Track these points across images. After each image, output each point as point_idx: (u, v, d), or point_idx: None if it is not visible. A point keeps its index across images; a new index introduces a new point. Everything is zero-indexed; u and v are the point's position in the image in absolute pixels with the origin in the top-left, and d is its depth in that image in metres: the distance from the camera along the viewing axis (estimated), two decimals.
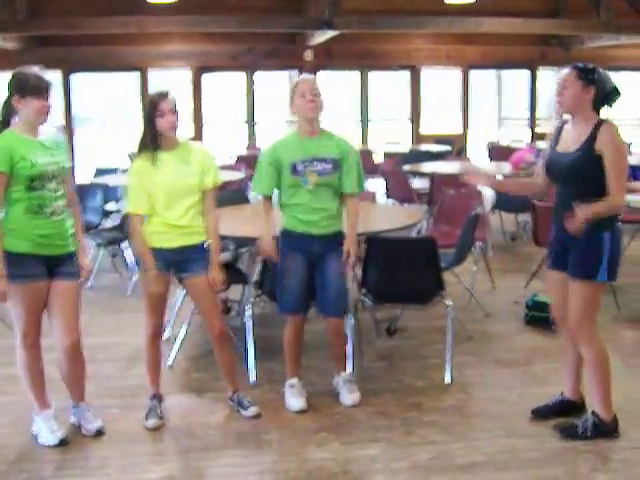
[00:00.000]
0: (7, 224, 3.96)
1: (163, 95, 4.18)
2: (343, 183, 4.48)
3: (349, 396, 4.68)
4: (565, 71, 3.95)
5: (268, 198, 4.52)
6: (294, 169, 4.37)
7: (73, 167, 13.15)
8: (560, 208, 4.05)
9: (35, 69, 3.97)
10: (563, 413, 4.36)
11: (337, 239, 4.51)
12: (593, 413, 4.13)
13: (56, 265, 4.08)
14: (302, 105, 4.34)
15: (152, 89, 16.19)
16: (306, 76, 4.50)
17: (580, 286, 3.99)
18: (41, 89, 3.91)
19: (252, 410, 4.52)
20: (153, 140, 4.21)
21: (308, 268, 4.50)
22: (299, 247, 4.46)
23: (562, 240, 4.07)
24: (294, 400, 4.61)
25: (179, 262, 4.33)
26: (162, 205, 4.23)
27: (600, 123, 3.91)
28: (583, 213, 3.83)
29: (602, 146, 3.85)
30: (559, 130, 4.12)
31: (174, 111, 4.17)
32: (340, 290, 4.59)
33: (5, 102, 4.00)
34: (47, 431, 4.19)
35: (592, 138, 3.88)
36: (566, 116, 4.06)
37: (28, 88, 3.89)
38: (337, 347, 4.77)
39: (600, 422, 4.10)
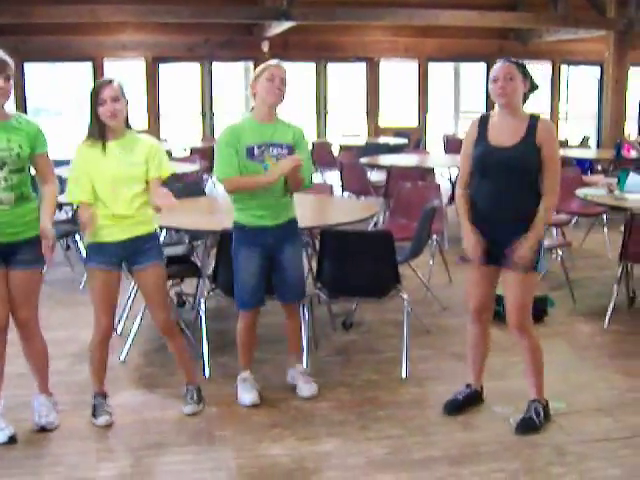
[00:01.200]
0: None
1: (105, 83, 4.09)
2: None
3: (307, 387, 4.66)
4: (503, 64, 3.97)
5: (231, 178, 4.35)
6: (250, 153, 4.29)
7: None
8: (487, 200, 4.06)
9: None
10: (471, 404, 4.45)
11: (291, 227, 4.50)
12: (536, 400, 4.19)
13: (11, 253, 3.98)
14: (268, 88, 4.26)
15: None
16: (278, 62, 4.37)
17: (522, 279, 4.04)
18: None
19: (188, 408, 4.45)
20: (98, 128, 4.11)
21: (264, 261, 4.43)
22: (254, 241, 4.39)
23: (493, 237, 4.07)
24: (246, 394, 4.56)
25: (128, 255, 4.23)
26: (106, 196, 4.12)
27: (536, 118, 3.98)
28: (529, 244, 3.94)
29: (543, 141, 3.93)
30: (483, 124, 4.10)
31: (116, 99, 4.06)
32: (300, 276, 4.62)
33: None
34: None
35: (532, 132, 3.94)
36: (481, 110, 4.11)
37: None
38: (296, 336, 4.74)
39: (544, 405, 4.20)
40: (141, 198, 4.20)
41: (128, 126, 4.22)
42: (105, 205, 4.14)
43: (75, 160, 4.19)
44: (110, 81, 4.11)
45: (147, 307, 4.50)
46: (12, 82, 3.95)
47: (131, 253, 4.22)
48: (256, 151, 4.29)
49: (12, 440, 4.07)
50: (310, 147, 13.61)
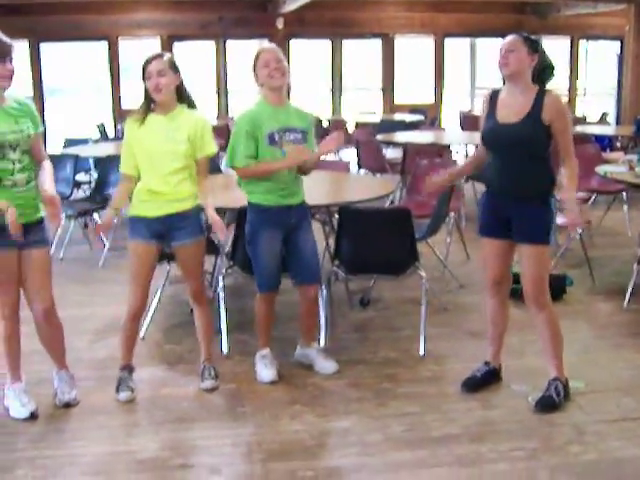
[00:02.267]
0: None
1: (152, 57, 4.14)
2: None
3: (328, 364, 4.68)
4: (510, 37, 3.97)
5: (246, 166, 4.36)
6: (271, 139, 4.29)
7: (45, 137, 13.01)
8: (497, 176, 4.10)
9: None
10: (490, 382, 4.45)
11: (305, 207, 4.53)
12: (556, 379, 4.18)
13: (24, 234, 3.99)
14: (267, 74, 4.27)
15: (122, 59, 16.02)
16: (267, 46, 4.43)
17: (536, 252, 4.05)
18: (0, 52, 3.76)
19: (207, 383, 4.48)
20: (145, 102, 4.18)
21: (282, 242, 4.45)
22: (277, 221, 4.38)
23: (503, 210, 4.09)
24: (265, 371, 4.58)
25: (165, 231, 4.24)
26: (145, 170, 4.17)
27: (543, 93, 3.95)
28: (573, 206, 3.96)
29: (552, 116, 3.89)
30: (492, 99, 4.11)
31: (161, 73, 4.09)
32: (315, 257, 4.59)
33: None
34: (18, 404, 4.14)
35: (538, 108, 3.90)
36: (498, 86, 4.11)
37: None
38: (312, 316, 4.74)
39: (564, 384, 4.18)
40: (180, 175, 4.19)
41: (182, 101, 4.24)
42: (144, 179, 4.20)
43: (124, 135, 4.29)
44: (159, 55, 4.15)
45: (183, 278, 4.53)
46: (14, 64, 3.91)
47: (168, 229, 4.24)
48: (276, 137, 4.30)
49: (33, 416, 4.12)
50: (325, 124, 13.66)
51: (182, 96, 4.25)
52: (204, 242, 4.43)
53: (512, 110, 3.98)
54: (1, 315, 4.08)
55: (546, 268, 4.17)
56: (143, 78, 4.13)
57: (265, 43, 4.68)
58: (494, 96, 4.11)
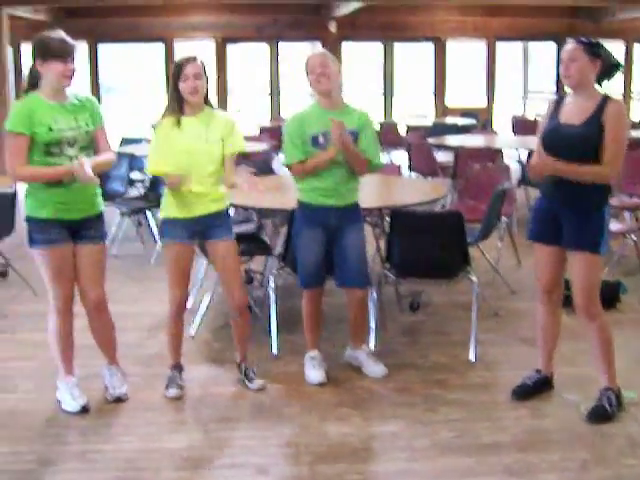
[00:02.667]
0: (30, 189, 4.00)
1: (188, 60, 4.16)
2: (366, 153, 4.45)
3: (377, 368, 4.66)
4: (570, 45, 3.88)
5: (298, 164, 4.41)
6: (315, 141, 4.34)
7: None
8: (552, 180, 4.01)
9: (57, 33, 3.93)
10: (539, 391, 4.38)
11: (355, 210, 4.52)
12: (609, 389, 4.10)
13: (80, 229, 4.08)
14: (314, 79, 4.32)
15: (177, 59, 16.19)
16: (315, 52, 4.47)
17: (585, 261, 3.98)
18: (63, 52, 3.86)
19: (257, 383, 4.50)
20: (177, 104, 4.20)
21: (325, 241, 4.46)
22: (318, 220, 4.43)
23: (556, 213, 4.04)
24: (314, 372, 4.58)
25: (201, 230, 4.30)
26: (186, 171, 4.19)
27: (607, 98, 3.87)
28: (548, 164, 3.89)
29: (608, 120, 3.82)
30: (558, 104, 4.05)
31: (199, 76, 4.13)
32: (362, 260, 4.57)
33: (30, 69, 3.97)
34: (69, 398, 4.21)
35: (599, 112, 3.84)
36: (567, 90, 4.01)
37: (50, 51, 3.85)
38: (360, 319, 4.73)
39: (617, 394, 4.10)
40: (216, 176, 4.26)
41: (207, 103, 4.29)
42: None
43: (155, 135, 4.30)
44: (194, 58, 4.17)
45: (221, 283, 4.54)
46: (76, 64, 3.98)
47: (204, 228, 4.30)
48: (321, 139, 4.34)
49: (84, 410, 4.19)
50: (377, 127, 13.62)
51: (207, 98, 4.30)
52: (235, 243, 4.43)
53: (576, 113, 3.92)
54: (55, 309, 4.15)
55: (597, 278, 4.09)
56: (177, 79, 4.15)
57: (317, 46, 4.70)
58: (559, 101, 4.05)
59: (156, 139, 4.28)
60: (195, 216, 4.25)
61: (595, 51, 3.85)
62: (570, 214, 3.98)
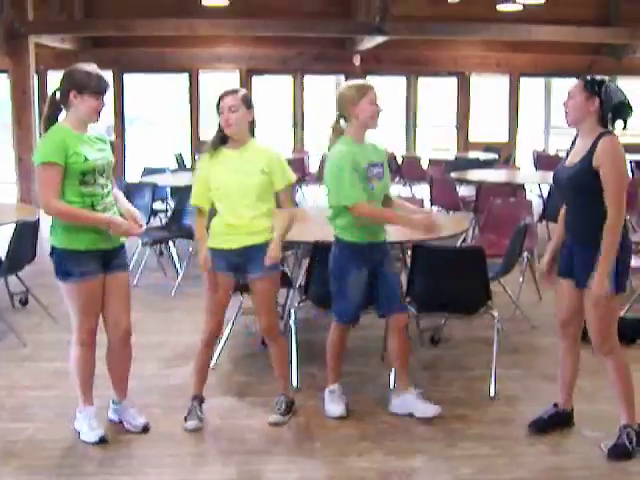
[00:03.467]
0: (61, 223, 4.01)
1: (226, 93, 4.24)
2: (387, 188, 4.56)
3: (429, 408, 4.53)
4: (574, 81, 3.91)
5: (363, 202, 4.28)
6: (366, 175, 4.30)
7: (124, 165, 13.40)
8: (565, 219, 4.09)
9: (93, 67, 4.01)
10: (558, 425, 4.34)
11: (387, 243, 4.55)
12: (627, 425, 4.07)
13: (111, 258, 4.14)
14: (372, 113, 4.29)
15: (202, 90, 16.37)
16: (369, 84, 4.41)
17: (599, 300, 3.94)
18: (100, 89, 3.96)
19: (274, 418, 4.47)
20: (219, 137, 4.27)
21: (368, 277, 4.43)
22: (364, 258, 4.38)
23: (571, 249, 4.04)
24: (334, 406, 4.57)
25: (240, 263, 4.30)
26: (223, 204, 4.25)
27: (601, 135, 3.83)
28: (600, 272, 3.83)
29: (599, 161, 3.79)
30: (572, 143, 4.07)
31: (233, 109, 4.18)
32: (400, 287, 4.60)
33: (55, 96, 4.03)
34: (88, 428, 4.21)
35: (591, 151, 3.82)
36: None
37: (88, 86, 3.92)
38: (405, 350, 4.61)
39: (637, 431, 4.06)
40: (255, 208, 4.26)
41: (253, 135, 4.36)
42: (220, 212, 4.28)
43: (197, 167, 4.40)
44: (233, 91, 4.25)
45: (255, 309, 4.54)
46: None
47: (244, 261, 4.30)
48: (368, 172, 4.32)
49: (103, 440, 4.18)
50: (400, 161, 13.71)
51: (253, 131, 4.36)
52: (279, 276, 4.47)
53: (576, 153, 3.94)
54: (79, 340, 4.17)
55: (609, 315, 4.01)
56: (217, 112, 4.24)
57: (341, 80, 4.74)
58: (574, 140, 4.07)
59: (197, 172, 4.38)
60: (235, 248, 4.27)
61: (593, 89, 3.82)
62: (580, 250, 3.98)
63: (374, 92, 4.31)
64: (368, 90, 4.31)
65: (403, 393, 4.60)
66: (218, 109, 4.22)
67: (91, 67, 4.00)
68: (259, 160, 4.27)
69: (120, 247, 4.19)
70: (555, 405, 4.41)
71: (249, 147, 4.31)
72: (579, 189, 3.90)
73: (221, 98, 4.22)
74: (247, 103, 4.25)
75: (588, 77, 3.88)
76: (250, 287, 4.44)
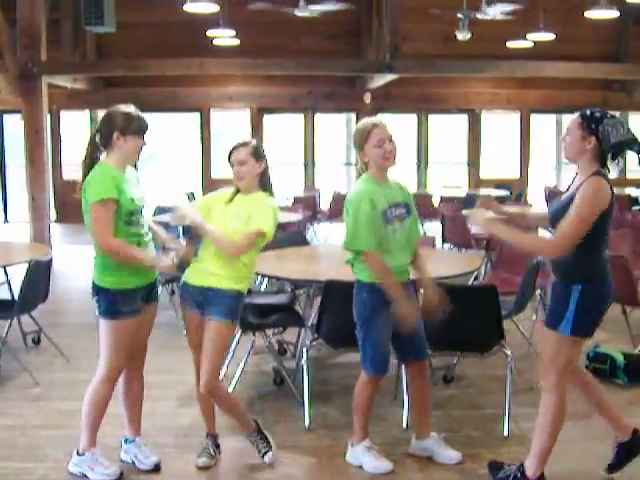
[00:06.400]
0: (113, 263, 4.02)
1: (236, 146, 4.22)
2: (414, 229, 4.40)
3: (453, 454, 4.46)
4: (572, 116, 3.82)
5: (377, 252, 4.13)
6: (386, 217, 4.16)
7: None
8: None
9: (132, 108, 4.08)
10: (629, 456, 4.18)
11: (412, 283, 4.41)
12: (520, 466, 4.02)
13: (151, 291, 4.26)
14: (380, 155, 4.12)
15: (213, 129, 16.50)
16: (376, 121, 4.21)
17: (548, 334, 3.92)
18: (143, 129, 4.07)
19: (269, 456, 4.41)
20: (236, 188, 4.29)
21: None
22: (387, 300, 4.10)
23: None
24: (380, 462, 4.35)
25: (203, 302, 4.20)
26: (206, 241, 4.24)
27: (592, 175, 3.72)
28: (481, 217, 3.94)
29: (577, 195, 3.69)
30: (573, 179, 3.97)
31: (242, 162, 4.17)
32: (422, 331, 4.38)
33: (95, 138, 4.09)
34: (101, 468, 4.18)
35: (578, 189, 3.73)
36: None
37: (133, 127, 4.01)
38: (426, 396, 4.52)
39: (523, 477, 3.99)
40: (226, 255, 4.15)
41: (264, 188, 4.27)
42: (202, 249, 4.27)
43: (208, 195, 4.49)
44: (242, 144, 4.22)
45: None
46: None
47: (204, 301, 4.20)
48: (388, 214, 4.17)
49: (122, 475, 4.17)
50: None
51: (264, 182, 4.27)
52: (229, 328, 4.25)
53: (570, 189, 3.87)
54: (107, 377, 4.15)
55: (555, 355, 3.88)
56: (229, 163, 4.26)
57: (352, 118, 4.70)
58: (576, 175, 3.98)
59: (205, 199, 4.47)
60: (196, 285, 4.23)
61: (590, 127, 3.72)
62: (553, 285, 3.95)
63: (379, 131, 4.14)
64: (371, 131, 4.14)
65: (425, 439, 4.52)
66: (230, 161, 4.23)
67: (130, 108, 4.08)
68: (248, 206, 4.18)
69: (156, 279, 4.31)
70: (616, 438, 4.24)
71: (252, 197, 4.24)
72: (558, 222, 3.78)
73: (231, 153, 4.22)
74: (257, 154, 4.20)
75: (587, 112, 3.76)
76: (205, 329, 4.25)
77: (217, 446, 4.48)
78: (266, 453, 4.42)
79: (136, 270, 4.07)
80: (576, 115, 3.80)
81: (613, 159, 3.81)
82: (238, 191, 4.28)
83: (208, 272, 4.19)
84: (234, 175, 4.23)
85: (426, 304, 4.32)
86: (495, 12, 12.15)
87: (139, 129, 4.03)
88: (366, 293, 4.19)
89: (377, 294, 4.14)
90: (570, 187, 3.93)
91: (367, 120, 4.27)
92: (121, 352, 4.13)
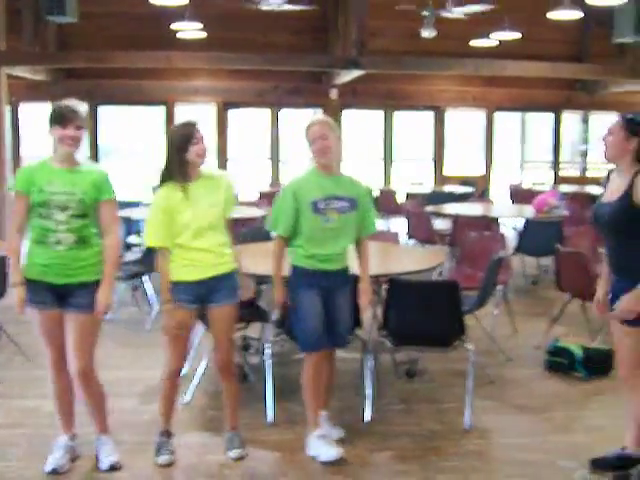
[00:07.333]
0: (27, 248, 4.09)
1: (194, 124, 4.22)
2: (361, 224, 4.53)
3: (335, 431, 4.64)
4: (614, 119, 3.95)
5: (283, 239, 4.46)
6: (315, 207, 4.35)
7: None
8: (610, 254, 4.04)
9: (71, 101, 4.06)
10: (622, 467, 4.19)
11: (346, 274, 4.55)
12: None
13: (66, 295, 4.09)
14: (315, 150, 4.36)
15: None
16: (318, 118, 4.45)
17: (628, 332, 3.94)
18: (62, 118, 3.99)
19: (235, 452, 4.45)
20: (182, 170, 4.20)
21: (322, 303, 4.44)
22: (315, 284, 4.41)
23: (615, 289, 4.02)
24: (330, 448, 4.42)
25: (207, 293, 4.29)
26: (191, 236, 4.20)
27: (637, 173, 3.85)
28: (626, 301, 3.84)
29: (635, 192, 3.81)
30: (607, 179, 4.10)
31: (204, 140, 4.21)
32: (349, 326, 4.62)
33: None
34: (50, 457, 4.23)
35: (630, 187, 3.84)
36: (612, 165, 4.02)
37: (52, 118, 4.01)
38: (332, 378, 4.73)
39: None
40: (224, 237, 4.33)
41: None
42: (188, 246, 4.22)
43: (158, 204, 4.24)
44: (196, 123, 4.24)
45: (214, 345, 4.52)
46: (83, 131, 4.09)
47: (209, 291, 4.29)
48: (320, 204, 4.35)
49: (55, 472, 4.15)
50: (376, 194, 13.70)
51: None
52: (237, 308, 4.45)
53: (614, 190, 3.95)
54: (49, 368, 4.25)
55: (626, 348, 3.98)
56: (187, 144, 4.16)
57: (319, 113, 4.73)
58: (608, 176, 4.09)
59: (158, 210, 4.22)
60: (205, 278, 4.25)
61: (633, 128, 3.86)
62: (623, 287, 3.93)
63: (316, 128, 4.34)
64: (311, 126, 4.37)
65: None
66: (187, 141, 4.15)
67: (67, 101, 4.07)
68: (222, 188, 4.33)
69: (79, 285, 4.08)
70: (623, 448, 4.24)
71: (208, 176, 4.31)
72: (620, 227, 3.90)
73: (194, 129, 4.19)
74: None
75: (629, 116, 3.90)
76: (211, 318, 4.40)
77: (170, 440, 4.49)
78: (232, 450, 4.47)
79: (36, 262, 4.06)
80: (618, 117, 3.93)
81: None
82: (185, 179, 4.23)
83: (221, 262, 4.30)
84: (198, 152, 4.18)
85: (359, 296, 4.56)
86: (460, 11, 12.22)
87: (59, 118, 3.99)
88: (292, 275, 4.47)
89: (299, 276, 4.44)
90: (607, 187, 4.03)
91: (313, 117, 4.49)
92: (44, 342, 4.18)
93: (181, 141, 4.16)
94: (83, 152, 4.16)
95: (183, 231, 4.20)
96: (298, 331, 4.52)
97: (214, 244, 4.26)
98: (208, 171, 4.34)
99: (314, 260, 4.40)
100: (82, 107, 4.08)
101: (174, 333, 4.28)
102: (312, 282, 4.41)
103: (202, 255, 4.24)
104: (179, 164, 4.19)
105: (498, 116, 17.57)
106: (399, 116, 17.48)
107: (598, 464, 4.22)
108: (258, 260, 5.71)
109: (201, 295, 4.29)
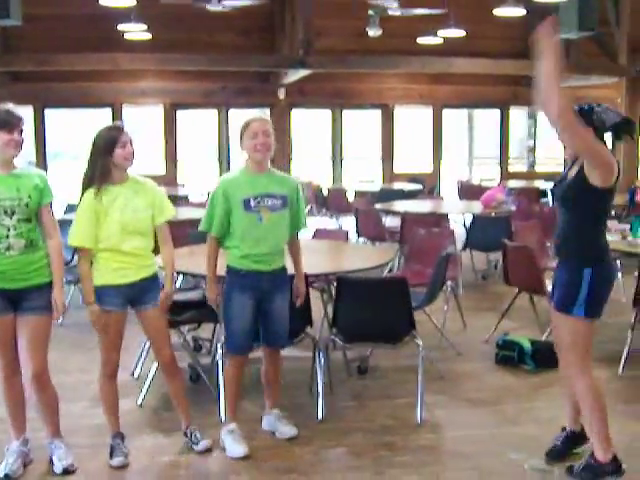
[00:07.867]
0: None
1: (120, 127, 4.28)
2: (293, 221, 4.55)
3: (287, 429, 4.70)
4: None
5: (216, 240, 4.47)
6: (246, 205, 4.35)
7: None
8: (557, 237, 4.07)
9: (8, 105, 4.01)
10: (573, 446, 4.28)
11: (283, 274, 4.56)
12: (591, 454, 4.01)
13: (20, 299, 4.07)
14: (252, 147, 4.34)
15: (125, 125, 16.26)
16: (257, 116, 4.44)
17: (562, 319, 3.99)
18: (8, 123, 3.95)
19: (203, 444, 4.51)
20: (104, 174, 4.21)
21: (255, 306, 4.45)
22: (248, 285, 4.41)
23: (555, 278, 4.09)
24: (237, 446, 4.49)
25: (137, 295, 4.33)
26: (116, 240, 4.22)
27: None
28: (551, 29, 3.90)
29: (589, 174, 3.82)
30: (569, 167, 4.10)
31: (132, 143, 4.24)
32: (286, 325, 4.61)
33: None
34: (3, 462, 4.20)
35: (582, 167, 3.87)
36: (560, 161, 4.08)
37: None
38: (278, 379, 4.77)
39: (595, 463, 3.97)
40: (147, 241, 4.34)
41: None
42: (113, 250, 4.24)
43: (82, 207, 4.26)
44: (123, 126, 4.29)
45: (152, 345, 4.59)
46: (23, 135, 4.06)
47: (137, 294, 4.32)
48: (252, 202, 4.36)
49: (6, 477, 4.12)
50: (325, 193, 13.75)
51: None
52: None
53: (573, 169, 3.98)
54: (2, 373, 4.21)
55: (574, 339, 3.97)
56: (110, 148, 4.18)
57: (257, 112, 4.72)
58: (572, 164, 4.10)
59: (82, 212, 4.25)
60: (132, 282, 4.29)
61: (586, 120, 3.89)
62: (557, 272, 4.03)
63: (256, 124, 4.35)
64: (250, 123, 4.36)
65: (268, 414, 4.77)
66: (113, 144, 4.18)
67: (3, 105, 4.02)
68: (146, 194, 4.34)
69: (32, 289, 4.09)
70: (563, 429, 4.35)
71: (133, 181, 4.33)
72: (570, 201, 3.93)
73: (120, 133, 4.22)
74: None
75: (575, 108, 3.94)
76: (142, 320, 4.44)
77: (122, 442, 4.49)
78: (199, 443, 4.52)
79: None
80: None
81: (619, 139, 3.98)
82: (107, 183, 4.23)
83: (144, 265, 4.33)
84: (124, 156, 4.20)
85: (294, 293, 4.62)
86: (406, 11, 12.32)
87: (4, 123, 3.94)
88: (227, 275, 4.48)
89: (233, 277, 4.44)
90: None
91: (251, 115, 4.47)
92: None
93: (107, 144, 4.19)
94: (22, 156, 4.12)
95: (110, 234, 4.22)
96: (226, 331, 4.55)
97: (140, 247, 4.30)
98: (134, 177, 4.36)
99: (248, 260, 4.39)
100: (18, 111, 4.06)
101: (107, 338, 4.33)
102: (245, 284, 4.41)
103: (130, 258, 4.26)
104: (100, 167, 4.21)
105: (446, 113, 17.76)
106: (347, 115, 17.57)
107: (552, 455, 4.29)
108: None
109: (130, 297, 4.32)
